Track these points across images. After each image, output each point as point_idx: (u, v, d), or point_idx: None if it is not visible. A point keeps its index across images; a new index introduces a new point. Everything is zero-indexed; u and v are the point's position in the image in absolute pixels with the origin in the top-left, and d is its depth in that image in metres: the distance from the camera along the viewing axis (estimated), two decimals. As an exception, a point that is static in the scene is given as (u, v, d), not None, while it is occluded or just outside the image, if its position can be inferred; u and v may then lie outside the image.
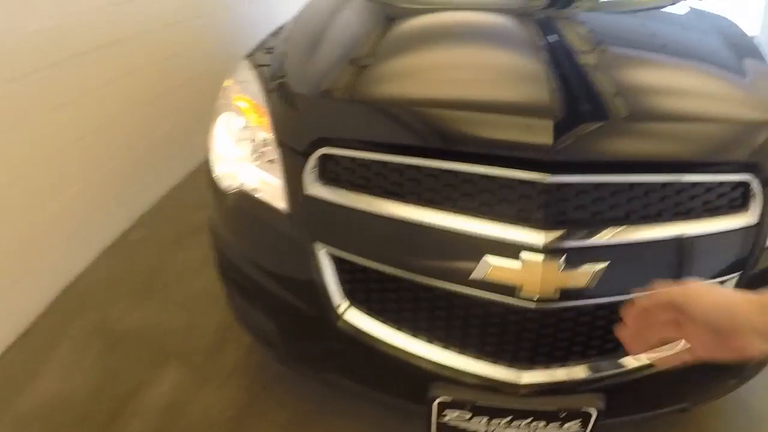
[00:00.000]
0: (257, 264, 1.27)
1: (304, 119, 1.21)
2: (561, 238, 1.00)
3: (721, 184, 1.09)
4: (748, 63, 1.37)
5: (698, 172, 1.07)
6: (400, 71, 1.30)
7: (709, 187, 1.08)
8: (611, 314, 1.07)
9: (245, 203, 1.27)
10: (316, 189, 1.13)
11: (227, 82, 1.47)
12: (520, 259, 1.00)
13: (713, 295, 0.56)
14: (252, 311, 1.37)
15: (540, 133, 1.01)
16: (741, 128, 1.14)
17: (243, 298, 1.38)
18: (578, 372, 1.11)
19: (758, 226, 1.09)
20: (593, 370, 1.11)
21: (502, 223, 1.01)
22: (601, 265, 1.01)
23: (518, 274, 1.00)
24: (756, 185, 1.09)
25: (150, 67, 2.50)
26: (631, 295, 0.66)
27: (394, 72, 1.29)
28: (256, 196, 1.25)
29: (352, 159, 1.11)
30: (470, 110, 1.11)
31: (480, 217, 1.02)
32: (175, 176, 2.86)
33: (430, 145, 1.07)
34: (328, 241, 1.14)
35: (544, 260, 0.99)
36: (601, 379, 1.11)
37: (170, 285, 2.14)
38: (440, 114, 1.10)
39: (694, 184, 1.06)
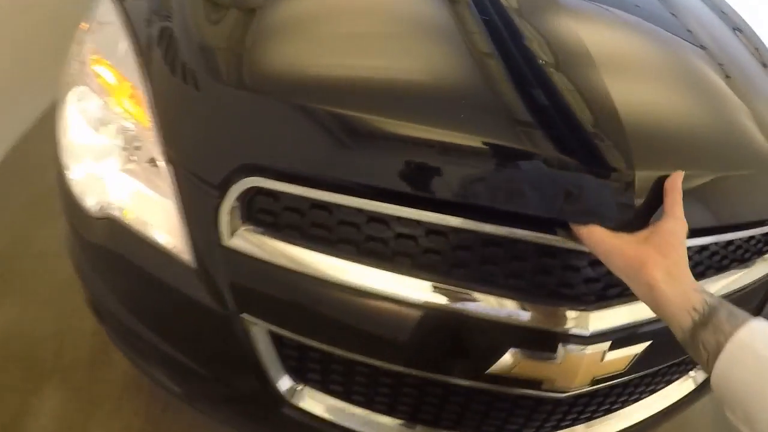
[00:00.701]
0: (152, 329, 0.84)
1: (216, 126, 0.73)
2: (608, 320, 0.71)
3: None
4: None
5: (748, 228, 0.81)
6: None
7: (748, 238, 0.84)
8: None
9: (122, 243, 0.80)
10: (240, 240, 0.71)
11: (84, 24, 0.91)
12: (558, 353, 0.70)
13: (618, 246, 0.58)
14: (152, 370, 0.97)
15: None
16: None
17: (135, 355, 0.96)
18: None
19: None
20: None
21: (532, 304, 0.69)
22: (644, 345, 0.75)
23: (553, 369, 0.71)
24: None
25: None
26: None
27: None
28: (139, 232, 0.78)
29: (302, 198, 0.69)
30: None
31: (501, 295, 0.69)
32: (25, 121, 2.11)
33: (430, 194, 0.67)
34: (264, 316, 0.75)
35: (587, 352, 0.70)
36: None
37: (28, 274, 1.61)
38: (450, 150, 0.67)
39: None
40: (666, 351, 0.80)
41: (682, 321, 0.50)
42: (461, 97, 0.71)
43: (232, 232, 0.70)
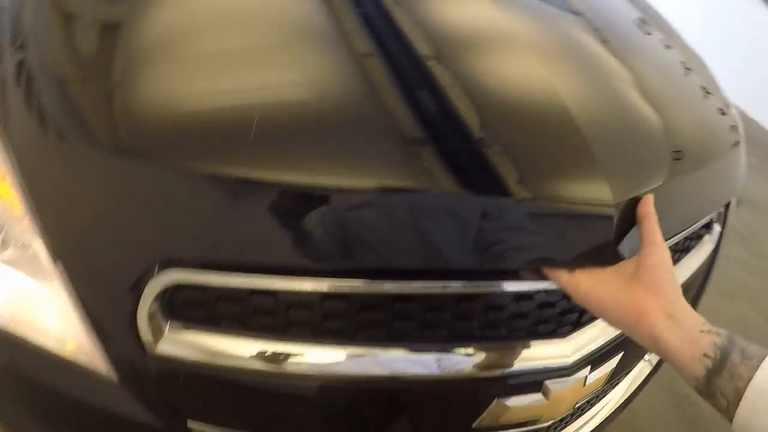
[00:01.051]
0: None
1: (107, 209, 0.57)
2: (586, 345, 0.68)
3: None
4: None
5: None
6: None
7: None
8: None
9: (17, 359, 0.64)
10: (170, 345, 0.58)
11: None
12: (543, 391, 0.66)
13: (611, 297, 0.53)
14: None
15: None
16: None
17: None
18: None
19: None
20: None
21: (509, 350, 0.64)
22: (618, 356, 0.74)
23: (541, 408, 0.67)
24: None
25: None
26: None
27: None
28: (33, 342, 0.62)
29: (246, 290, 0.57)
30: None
31: (478, 349, 0.63)
32: None
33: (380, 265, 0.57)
34: (217, 420, 0.63)
35: (571, 384, 0.67)
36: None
37: None
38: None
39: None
40: (636, 353, 0.80)
41: (694, 370, 0.47)
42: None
43: (158, 339, 0.57)
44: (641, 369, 0.99)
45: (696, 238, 0.86)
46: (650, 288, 0.51)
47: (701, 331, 0.48)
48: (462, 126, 0.61)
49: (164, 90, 0.59)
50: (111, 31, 0.67)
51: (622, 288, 0.52)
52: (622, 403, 0.96)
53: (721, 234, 0.91)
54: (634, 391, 0.98)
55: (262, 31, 0.68)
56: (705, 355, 0.46)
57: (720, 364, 0.45)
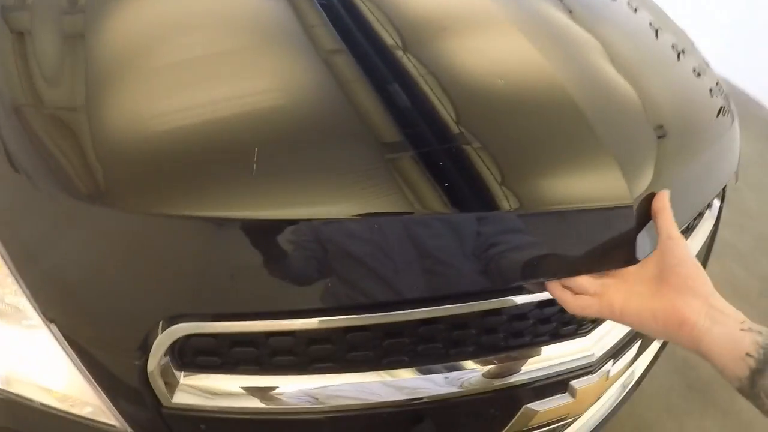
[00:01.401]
0: None
1: (96, 264, 0.52)
2: (608, 337, 0.67)
3: None
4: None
5: None
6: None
7: None
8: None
9: (19, 419, 0.60)
10: (186, 394, 0.55)
11: None
12: (569, 391, 0.65)
13: (647, 309, 0.50)
14: None
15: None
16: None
17: None
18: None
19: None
20: None
21: (535, 356, 0.63)
22: (637, 344, 0.74)
23: (567, 407, 0.67)
24: None
25: None
26: None
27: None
28: (36, 401, 0.58)
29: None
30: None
31: (501, 360, 0.61)
32: None
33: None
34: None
35: (597, 380, 0.66)
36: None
37: None
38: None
39: None
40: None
41: (737, 370, 0.46)
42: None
43: (172, 390, 0.54)
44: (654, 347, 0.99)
45: (698, 216, 0.86)
46: (682, 289, 0.49)
47: (742, 330, 0.46)
48: (452, 134, 0.56)
49: (142, 135, 0.55)
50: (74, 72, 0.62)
51: (655, 294, 0.50)
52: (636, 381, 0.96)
53: (720, 209, 0.91)
54: (647, 368, 0.98)
55: (232, 53, 0.63)
56: (748, 354, 0.45)
57: (764, 365, 0.44)
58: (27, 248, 0.54)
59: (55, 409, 0.59)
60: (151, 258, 0.50)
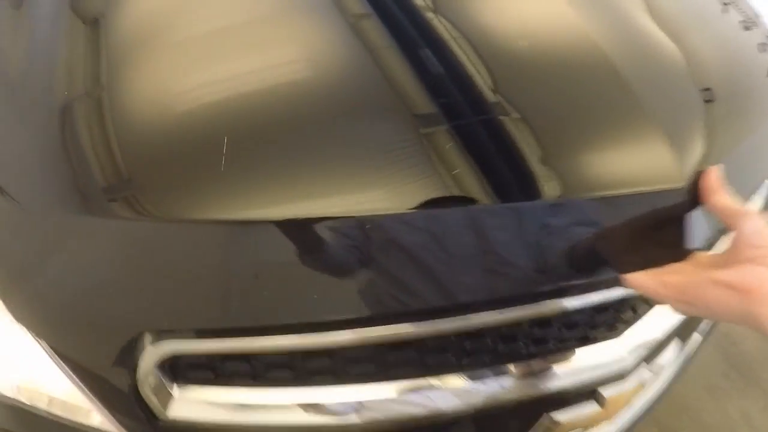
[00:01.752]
0: None
1: (75, 277, 0.49)
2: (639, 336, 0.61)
3: None
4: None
5: None
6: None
7: None
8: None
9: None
10: (182, 405, 0.52)
11: None
12: (598, 399, 0.60)
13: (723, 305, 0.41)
14: None
15: None
16: None
17: None
18: None
19: None
20: None
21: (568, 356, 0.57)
22: (672, 344, 0.67)
23: (595, 415, 0.61)
24: None
25: None
26: None
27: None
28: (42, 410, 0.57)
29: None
30: None
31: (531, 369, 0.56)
32: None
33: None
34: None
35: (630, 387, 0.61)
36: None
37: None
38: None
39: None
40: (688, 331, 0.73)
41: None
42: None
43: (166, 404, 0.51)
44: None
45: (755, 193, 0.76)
46: (764, 259, 0.40)
47: None
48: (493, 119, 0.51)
49: (128, 138, 0.51)
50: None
51: (722, 271, 0.42)
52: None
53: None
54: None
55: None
56: None
57: None
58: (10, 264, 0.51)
59: (60, 418, 0.58)
60: (131, 273, 0.47)
